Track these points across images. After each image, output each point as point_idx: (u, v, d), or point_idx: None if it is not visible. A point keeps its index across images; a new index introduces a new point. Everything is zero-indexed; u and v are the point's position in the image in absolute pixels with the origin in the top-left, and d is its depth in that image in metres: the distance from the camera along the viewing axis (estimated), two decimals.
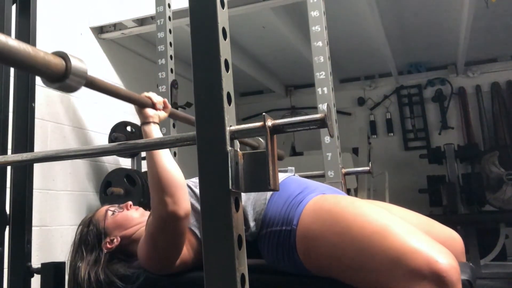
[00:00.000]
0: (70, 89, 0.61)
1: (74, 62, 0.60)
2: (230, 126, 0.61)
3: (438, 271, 0.84)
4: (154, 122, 1.21)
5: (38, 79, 1.65)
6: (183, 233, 1.10)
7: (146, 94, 1.23)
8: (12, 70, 1.59)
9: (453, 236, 1.24)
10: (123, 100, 1.08)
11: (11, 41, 0.52)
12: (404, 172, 4.54)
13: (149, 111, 1.21)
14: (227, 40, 0.64)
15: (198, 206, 1.18)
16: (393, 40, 3.78)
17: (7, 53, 0.51)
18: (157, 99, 1.23)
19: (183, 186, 1.10)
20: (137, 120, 3.32)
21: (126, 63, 3.27)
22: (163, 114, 1.25)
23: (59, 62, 0.59)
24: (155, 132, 1.20)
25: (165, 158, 1.12)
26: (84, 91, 2.86)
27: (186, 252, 1.16)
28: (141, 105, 1.19)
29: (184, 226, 1.10)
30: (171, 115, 1.36)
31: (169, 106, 1.29)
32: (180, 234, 1.10)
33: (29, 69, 0.55)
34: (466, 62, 4.32)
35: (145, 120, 1.21)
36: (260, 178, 0.61)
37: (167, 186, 1.08)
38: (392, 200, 3.78)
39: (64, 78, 0.59)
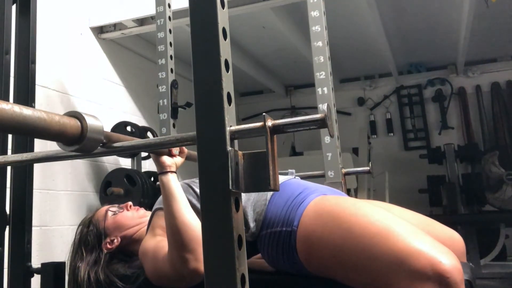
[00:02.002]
0: (88, 149, 0.59)
1: (90, 121, 0.58)
2: (230, 126, 0.61)
3: (442, 272, 0.84)
4: (172, 172, 1.15)
5: (38, 79, 1.65)
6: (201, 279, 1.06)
7: None
8: (12, 70, 1.59)
9: (454, 236, 1.23)
10: (140, 150, 1.03)
11: (26, 110, 0.49)
12: (404, 172, 4.53)
13: (166, 159, 1.14)
14: (227, 40, 0.64)
15: (199, 206, 1.18)
16: (393, 40, 3.78)
17: (22, 122, 0.49)
18: None
19: None
20: (137, 120, 3.32)
21: (126, 63, 3.27)
22: (180, 161, 1.19)
23: (74, 123, 0.57)
24: (173, 182, 1.13)
25: (184, 209, 1.09)
26: (84, 90, 2.84)
27: None
28: (156, 153, 1.14)
29: (201, 279, 1.05)
30: (187, 158, 1.27)
31: (185, 150, 1.23)
32: (198, 280, 1.06)
33: (46, 137, 0.53)
34: (466, 62, 4.32)
35: (162, 170, 1.14)
36: (260, 178, 0.61)
37: (188, 242, 1.03)
38: (392, 200, 3.78)
39: (82, 139, 0.58)
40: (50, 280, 1.42)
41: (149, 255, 1.15)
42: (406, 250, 0.89)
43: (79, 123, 0.57)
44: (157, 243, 1.15)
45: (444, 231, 1.24)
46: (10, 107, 0.47)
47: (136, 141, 0.82)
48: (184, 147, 1.21)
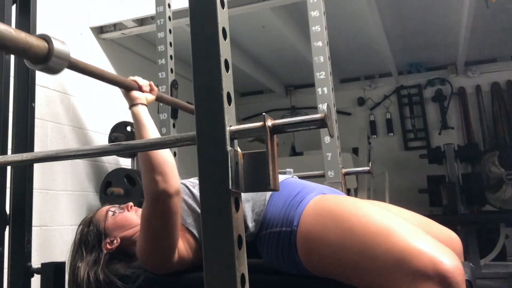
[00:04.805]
0: (53, 70, 0.62)
1: (57, 45, 0.60)
2: (230, 126, 0.61)
3: (443, 271, 0.84)
4: (142, 104, 1.21)
5: (38, 79, 1.65)
6: (175, 212, 1.10)
7: (131, 78, 1.23)
8: (12, 70, 1.59)
9: (452, 237, 1.24)
10: (108, 83, 1.09)
11: None
12: (404, 172, 4.53)
13: (136, 93, 1.21)
14: (227, 40, 0.64)
15: (195, 206, 1.18)
16: (393, 40, 3.78)
17: None
18: (143, 82, 1.24)
19: (172, 164, 1.11)
20: None
21: (126, 63, 3.27)
22: (150, 97, 1.26)
23: (41, 44, 0.59)
24: (143, 113, 1.19)
25: (154, 137, 1.13)
26: (84, 90, 2.85)
27: (184, 250, 1.15)
28: (127, 88, 1.19)
29: (175, 204, 1.10)
30: (158, 99, 1.36)
31: (156, 89, 1.30)
32: (172, 213, 1.10)
33: (12, 51, 0.55)
34: (466, 62, 4.32)
35: (133, 102, 1.20)
36: (260, 178, 0.61)
37: (157, 165, 1.08)
38: (392, 200, 3.78)
39: (47, 60, 0.60)
40: (50, 280, 1.42)
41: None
42: (407, 250, 0.89)
43: (46, 44, 0.60)
44: None
45: (442, 231, 1.24)
46: None
47: (136, 141, 0.82)
48: (153, 85, 1.29)
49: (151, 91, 1.27)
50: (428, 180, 4.23)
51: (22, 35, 0.56)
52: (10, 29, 0.54)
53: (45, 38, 0.60)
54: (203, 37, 0.63)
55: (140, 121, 1.17)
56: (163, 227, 1.11)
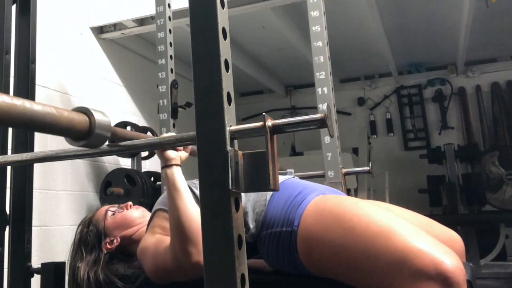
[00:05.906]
0: (96, 145, 0.59)
1: (97, 117, 0.58)
2: (230, 126, 0.61)
3: (444, 272, 0.84)
4: (176, 165, 1.17)
5: (38, 79, 1.65)
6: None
7: (165, 135, 1.21)
8: (12, 70, 1.59)
9: (453, 237, 1.24)
10: (140, 150, 1.05)
11: (36, 106, 0.50)
12: (404, 172, 4.53)
13: (171, 153, 1.16)
14: (227, 40, 0.64)
15: (198, 207, 1.18)
16: (393, 40, 3.78)
17: (32, 118, 0.49)
18: None
19: None
20: (137, 120, 3.32)
21: (126, 63, 3.27)
22: (184, 155, 1.21)
23: (83, 119, 0.57)
24: (177, 174, 1.15)
25: (188, 202, 1.09)
26: (84, 90, 2.84)
27: None
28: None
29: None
30: (192, 154, 1.29)
31: (189, 145, 1.25)
32: (200, 274, 1.07)
33: (55, 131, 0.53)
34: (466, 62, 4.32)
35: (167, 163, 1.16)
36: (260, 178, 0.61)
37: (191, 235, 1.04)
38: (392, 200, 3.78)
39: (90, 135, 0.57)
40: (50, 280, 1.42)
41: (148, 252, 1.15)
42: (408, 250, 0.89)
43: (87, 119, 0.58)
44: (157, 240, 1.15)
45: (444, 231, 1.24)
46: (21, 103, 0.48)
47: (136, 141, 0.82)
48: None
49: (185, 148, 1.22)
50: (428, 180, 4.22)
51: (64, 114, 0.53)
52: (52, 109, 0.52)
53: (85, 112, 0.58)
54: (203, 37, 0.63)
55: (174, 185, 1.12)
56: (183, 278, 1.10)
